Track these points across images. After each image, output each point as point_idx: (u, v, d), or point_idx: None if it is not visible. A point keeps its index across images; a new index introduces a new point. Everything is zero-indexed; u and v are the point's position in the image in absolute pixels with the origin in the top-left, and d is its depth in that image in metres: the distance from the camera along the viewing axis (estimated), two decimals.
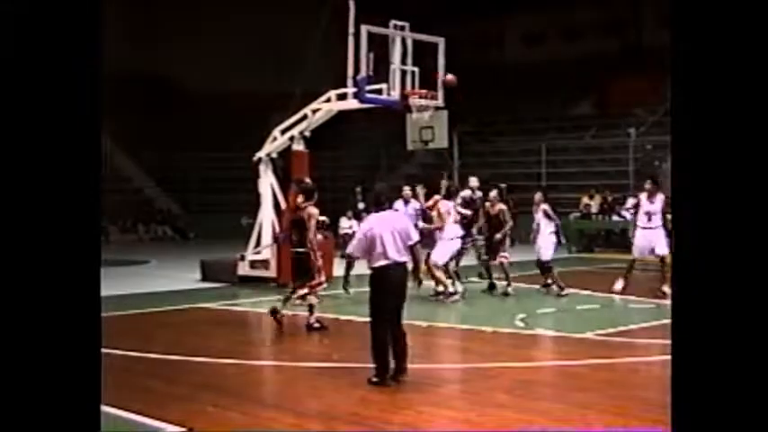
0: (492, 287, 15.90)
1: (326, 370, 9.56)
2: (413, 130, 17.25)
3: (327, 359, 10.06)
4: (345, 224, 23.23)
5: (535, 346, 11.36)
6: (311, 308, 12.05)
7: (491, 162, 32.99)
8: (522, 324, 12.57)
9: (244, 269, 17.65)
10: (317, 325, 11.99)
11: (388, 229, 8.60)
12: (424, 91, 15.67)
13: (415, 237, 8.82)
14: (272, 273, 17.12)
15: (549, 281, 15.77)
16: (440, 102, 15.96)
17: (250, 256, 17.72)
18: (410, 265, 8.97)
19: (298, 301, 12.30)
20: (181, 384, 8.93)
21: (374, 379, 8.54)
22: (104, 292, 14.68)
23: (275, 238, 17.17)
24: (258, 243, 17.78)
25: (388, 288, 8.60)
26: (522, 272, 16.89)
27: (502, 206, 15.57)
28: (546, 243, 15.69)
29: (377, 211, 8.92)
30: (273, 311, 12.29)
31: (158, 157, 36.57)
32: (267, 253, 17.53)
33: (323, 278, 12.39)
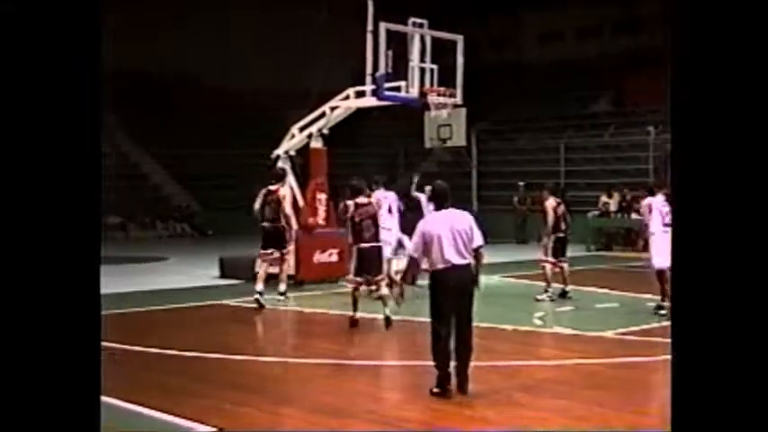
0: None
1: (343, 367, 9.56)
2: (431, 127, 17.23)
3: (345, 357, 10.06)
4: None
5: (553, 345, 11.32)
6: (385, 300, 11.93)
7: (510, 160, 32.96)
8: (540, 322, 12.54)
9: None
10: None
11: (446, 228, 8.06)
12: (442, 89, 15.66)
13: (479, 240, 8.17)
14: (290, 270, 17.10)
15: None
16: (458, 99, 15.95)
17: None
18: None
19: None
20: (198, 381, 8.95)
21: (435, 390, 8.03)
22: (122, 288, 14.81)
23: (293, 236, 17.15)
24: None
25: (447, 292, 8.03)
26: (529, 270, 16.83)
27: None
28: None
29: (437, 210, 8.33)
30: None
31: (177, 154, 36.64)
32: None
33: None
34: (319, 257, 16.99)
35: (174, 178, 37.51)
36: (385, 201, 15.42)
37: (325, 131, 17.31)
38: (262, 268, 14.47)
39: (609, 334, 11.50)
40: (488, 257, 16.25)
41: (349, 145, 32.31)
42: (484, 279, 13.62)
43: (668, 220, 12.90)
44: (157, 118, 35.93)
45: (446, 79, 15.80)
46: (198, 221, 35.28)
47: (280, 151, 17.66)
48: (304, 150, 17.70)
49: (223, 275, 18.33)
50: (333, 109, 16.94)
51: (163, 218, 35.19)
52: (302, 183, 17.68)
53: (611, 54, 36.55)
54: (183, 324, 12.91)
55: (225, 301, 14.79)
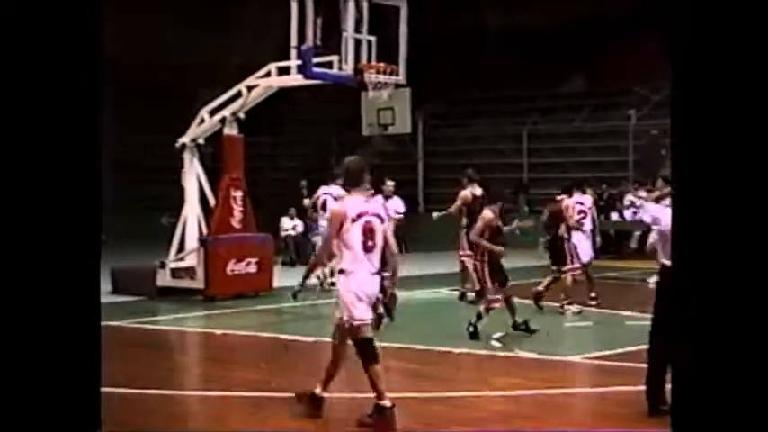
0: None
1: (264, 400, 9.62)
2: (369, 111, 17.38)
3: (265, 387, 10.13)
4: (287, 224, 23.20)
5: (514, 372, 11.46)
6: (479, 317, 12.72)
7: (463, 150, 33.03)
8: (498, 344, 12.70)
9: (164, 279, 17.64)
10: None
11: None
12: (382, 65, 15.73)
13: None
14: (198, 283, 17.12)
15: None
16: (401, 78, 16.04)
17: (172, 263, 17.72)
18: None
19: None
20: None
21: None
22: None
23: (202, 242, 17.18)
24: (182, 247, 17.78)
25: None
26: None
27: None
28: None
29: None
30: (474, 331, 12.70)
31: None
32: (192, 259, 17.53)
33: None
34: (234, 268, 17.02)
35: None
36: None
37: (241, 115, 17.32)
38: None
39: (578, 358, 11.73)
40: (437, 267, 16.47)
41: (270, 132, 32.34)
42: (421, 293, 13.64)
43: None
44: None
45: (387, 53, 15.88)
46: None
47: (186, 139, 17.64)
48: (216, 138, 17.69)
49: (116, 291, 18.23)
50: (250, 89, 16.94)
51: None
52: (213, 178, 17.69)
53: (587, 22, 36.77)
54: None
55: (119, 322, 14.71)
